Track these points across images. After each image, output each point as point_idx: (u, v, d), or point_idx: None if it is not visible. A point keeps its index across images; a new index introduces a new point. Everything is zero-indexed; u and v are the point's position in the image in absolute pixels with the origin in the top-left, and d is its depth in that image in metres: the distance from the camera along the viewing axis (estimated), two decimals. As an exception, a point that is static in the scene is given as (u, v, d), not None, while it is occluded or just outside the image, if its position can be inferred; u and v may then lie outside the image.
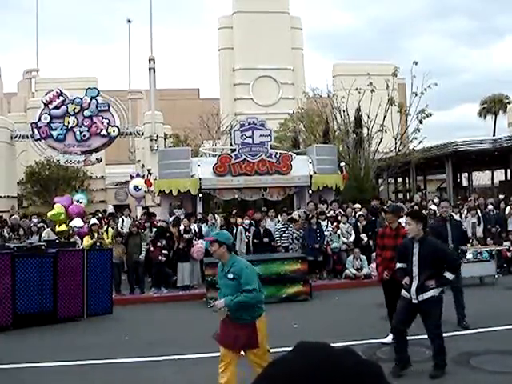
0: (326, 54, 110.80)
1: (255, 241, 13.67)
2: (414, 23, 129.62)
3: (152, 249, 12.68)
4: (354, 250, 13.32)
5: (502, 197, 16.89)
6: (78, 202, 27.39)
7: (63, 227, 13.02)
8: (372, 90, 21.28)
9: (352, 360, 0.86)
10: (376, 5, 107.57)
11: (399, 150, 22.49)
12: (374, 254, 11.36)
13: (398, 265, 6.35)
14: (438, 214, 9.20)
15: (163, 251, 12.57)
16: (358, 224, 14.13)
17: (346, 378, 0.83)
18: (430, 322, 5.91)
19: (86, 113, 23.07)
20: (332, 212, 14.75)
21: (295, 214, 14.66)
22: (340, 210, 15.05)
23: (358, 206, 15.45)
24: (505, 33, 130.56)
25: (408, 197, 25.38)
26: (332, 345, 0.91)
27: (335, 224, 13.77)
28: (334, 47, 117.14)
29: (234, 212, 15.91)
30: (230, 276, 4.97)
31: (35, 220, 16.74)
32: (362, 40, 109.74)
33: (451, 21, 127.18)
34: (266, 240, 13.44)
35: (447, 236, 7.95)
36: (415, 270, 5.95)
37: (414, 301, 5.90)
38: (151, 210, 18.15)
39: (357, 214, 14.55)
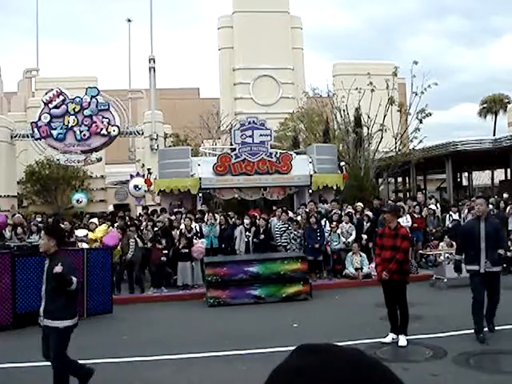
0: (324, 53, 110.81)
1: (255, 240, 13.69)
2: (410, 23, 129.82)
3: (152, 247, 12.70)
4: (354, 245, 13.32)
5: (506, 196, 16.80)
6: (77, 201, 27.58)
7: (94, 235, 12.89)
8: (372, 90, 21.27)
9: (366, 361, 0.85)
10: (372, 5, 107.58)
11: (399, 150, 22.47)
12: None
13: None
14: (473, 212, 8.54)
15: (163, 251, 12.58)
16: (364, 223, 14.12)
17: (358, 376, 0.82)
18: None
19: (86, 112, 23.05)
20: (336, 212, 14.66)
21: (301, 211, 14.65)
22: (348, 209, 15.03)
23: (360, 204, 15.43)
24: (501, 33, 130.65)
25: (408, 196, 25.37)
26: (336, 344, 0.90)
27: (335, 223, 13.76)
28: (332, 47, 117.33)
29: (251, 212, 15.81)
30: None
31: (38, 219, 16.73)
32: (360, 39, 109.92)
33: (447, 21, 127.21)
34: (262, 236, 13.50)
35: (479, 235, 7.34)
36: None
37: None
38: (151, 209, 18.15)
39: (363, 214, 14.55)
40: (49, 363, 6.99)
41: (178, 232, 13.13)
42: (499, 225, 8.08)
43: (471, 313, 7.53)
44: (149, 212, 17.16)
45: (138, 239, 12.89)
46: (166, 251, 12.64)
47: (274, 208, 15.49)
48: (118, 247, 12.51)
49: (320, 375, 0.82)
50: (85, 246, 12.20)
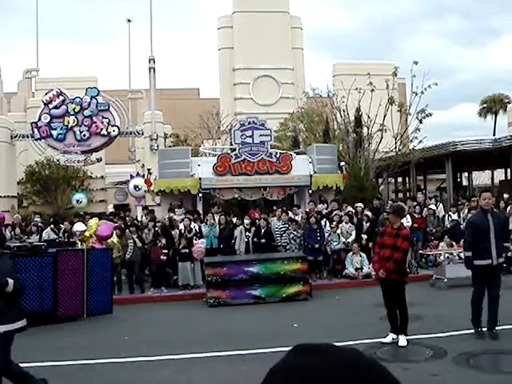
0: (324, 53, 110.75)
1: (255, 240, 13.70)
2: (409, 23, 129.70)
3: (152, 246, 12.71)
4: (354, 245, 13.33)
5: (506, 196, 16.77)
6: (77, 201, 27.58)
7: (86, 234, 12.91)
8: (372, 90, 21.27)
9: (364, 361, 0.85)
10: (371, 5, 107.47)
11: (399, 150, 22.48)
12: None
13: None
14: (479, 206, 8.13)
15: (163, 250, 12.59)
16: (363, 223, 14.13)
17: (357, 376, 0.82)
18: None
19: (86, 112, 23.04)
20: (336, 213, 14.64)
21: (300, 211, 14.65)
22: (349, 209, 15.05)
23: (360, 204, 15.44)
24: (501, 33, 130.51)
25: (408, 195, 25.37)
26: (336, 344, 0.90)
27: (335, 223, 13.77)
28: (332, 47, 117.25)
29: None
30: None
31: (37, 219, 16.74)
32: (359, 39, 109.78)
33: (447, 21, 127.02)
34: (264, 240, 13.51)
35: (488, 228, 7.42)
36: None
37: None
38: (151, 209, 18.16)
39: (363, 214, 14.56)
40: (49, 363, 7.01)
41: (178, 232, 13.14)
42: (502, 218, 8.28)
43: (471, 305, 7.53)
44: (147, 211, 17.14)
45: (137, 239, 12.91)
46: (166, 251, 12.65)
47: (275, 208, 15.50)
48: (115, 240, 12.50)
49: (318, 375, 0.82)
50: (78, 243, 12.25)
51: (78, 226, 13.68)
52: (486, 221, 7.46)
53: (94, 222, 12.93)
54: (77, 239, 12.70)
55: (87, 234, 12.60)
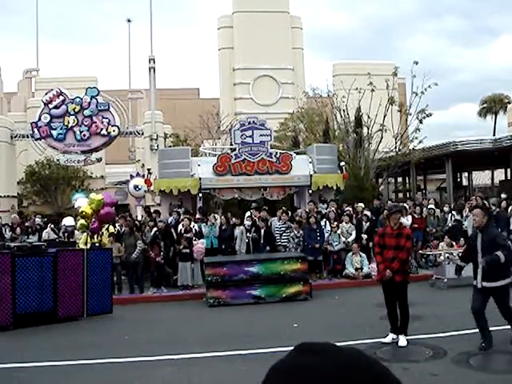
0: (322, 53, 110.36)
1: (255, 236, 13.70)
2: (408, 23, 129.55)
3: (150, 250, 12.69)
4: (353, 246, 13.33)
5: (504, 196, 16.77)
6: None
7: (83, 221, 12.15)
8: (372, 90, 21.27)
9: (364, 360, 0.85)
10: (370, 5, 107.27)
11: (399, 150, 22.48)
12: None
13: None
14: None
15: (161, 252, 12.58)
16: (363, 223, 14.14)
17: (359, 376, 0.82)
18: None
19: (86, 112, 23.05)
20: (332, 210, 14.67)
21: (300, 211, 14.67)
22: (348, 209, 15.08)
23: (361, 204, 15.45)
24: (500, 32, 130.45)
25: (408, 196, 25.38)
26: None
27: (335, 224, 13.78)
28: (331, 47, 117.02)
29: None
30: None
31: (38, 219, 16.76)
32: (358, 39, 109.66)
33: (445, 21, 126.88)
34: (266, 241, 13.53)
35: (476, 248, 6.87)
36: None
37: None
38: (152, 209, 18.17)
39: (361, 214, 14.57)
40: (49, 363, 7.01)
41: (180, 232, 13.15)
42: (496, 235, 7.07)
43: None
44: (151, 211, 17.16)
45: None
46: (162, 252, 12.64)
47: (266, 207, 15.53)
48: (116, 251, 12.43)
49: (318, 374, 0.82)
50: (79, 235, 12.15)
51: (67, 221, 13.60)
52: (475, 240, 6.90)
53: (96, 197, 11.98)
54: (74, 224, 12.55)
55: (88, 210, 11.66)
